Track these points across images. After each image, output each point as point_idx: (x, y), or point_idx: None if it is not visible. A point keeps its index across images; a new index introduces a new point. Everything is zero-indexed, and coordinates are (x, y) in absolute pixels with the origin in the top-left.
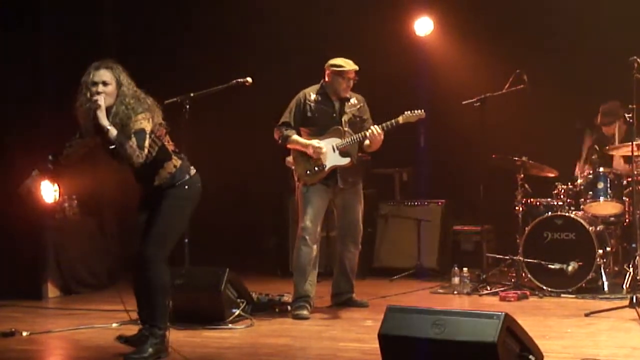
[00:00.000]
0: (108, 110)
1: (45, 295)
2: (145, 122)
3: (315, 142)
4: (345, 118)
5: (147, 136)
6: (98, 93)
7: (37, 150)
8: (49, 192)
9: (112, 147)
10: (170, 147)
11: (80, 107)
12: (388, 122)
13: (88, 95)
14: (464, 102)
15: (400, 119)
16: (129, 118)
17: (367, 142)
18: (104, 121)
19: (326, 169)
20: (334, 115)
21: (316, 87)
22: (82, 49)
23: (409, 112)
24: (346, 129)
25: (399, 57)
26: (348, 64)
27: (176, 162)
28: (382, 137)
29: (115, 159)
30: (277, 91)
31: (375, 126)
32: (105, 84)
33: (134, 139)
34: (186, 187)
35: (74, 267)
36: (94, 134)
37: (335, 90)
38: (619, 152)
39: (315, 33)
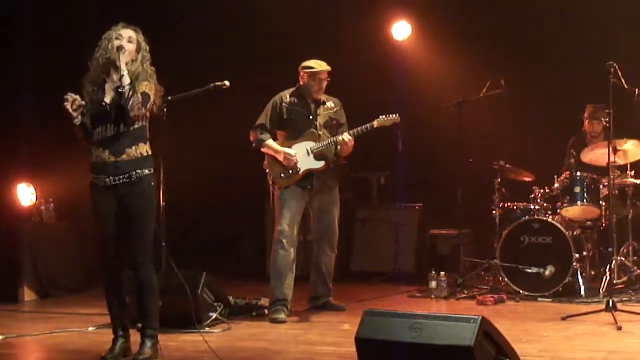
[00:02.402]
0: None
1: (21, 298)
2: (152, 91)
3: (287, 150)
4: (320, 120)
5: (150, 103)
6: (120, 49)
7: (15, 156)
8: (25, 195)
9: (121, 90)
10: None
11: (95, 61)
12: (362, 127)
13: (109, 46)
14: (441, 106)
15: (375, 123)
16: (141, 79)
17: (338, 147)
18: (123, 65)
19: (300, 172)
20: (310, 117)
21: (292, 89)
22: (62, 48)
23: (383, 116)
24: (321, 132)
25: (377, 61)
26: (319, 65)
27: (149, 150)
28: (352, 142)
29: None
30: (255, 94)
31: (346, 133)
32: (130, 40)
33: (139, 95)
34: (152, 183)
35: (50, 271)
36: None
37: (309, 92)
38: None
39: (293, 37)
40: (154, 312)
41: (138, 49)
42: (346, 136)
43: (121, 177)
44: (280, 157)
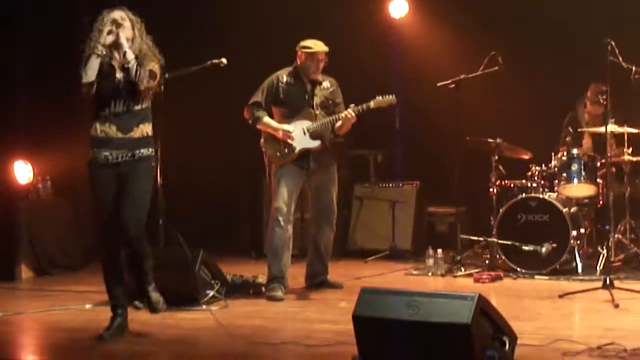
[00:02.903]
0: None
1: (19, 276)
2: (157, 69)
3: (285, 126)
4: (317, 100)
5: (157, 79)
6: (118, 26)
7: (12, 134)
8: (22, 172)
9: (127, 66)
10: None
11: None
12: (360, 106)
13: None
14: (438, 84)
15: (372, 104)
16: (148, 57)
17: (338, 123)
18: (124, 40)
19: (296, 151)
20: (306, 97)
21: (289, 69)
22: (58, 30)
23: (380, 97)
24: (318, 111)
25: (374, 40)
26: (317, 45)
27: (151, 130)
28: (355, 120)
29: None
30: (252, 74)
31: (350, 109)
32: (122, 18)
33: (147, 70)
34: (153, 164)
35: (47, 248)
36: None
37: (306, 72)
38: (592, 131)
39: (290, 16)
40: (150, 269)
41: (133, 26)
42: (350, 112)
43: (125, 155)
44: (279, 135)
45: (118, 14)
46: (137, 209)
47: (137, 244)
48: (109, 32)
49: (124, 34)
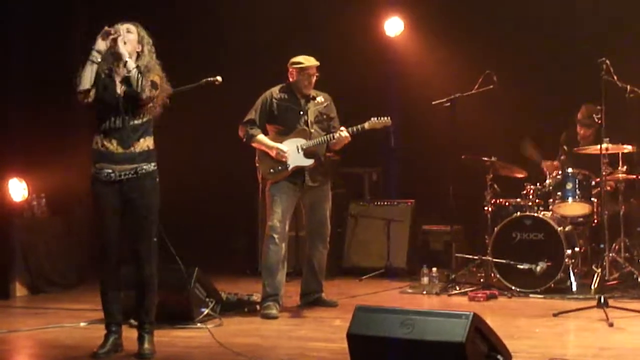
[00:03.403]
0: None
1: (13, 294)
2: (159, 82)
3: (279, 145)
4: (311, 116)
5: (159, 89)
6: (117, 35)
7: (7, 151)
8: (17, 190)
9: (128, 75)
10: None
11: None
12: (354, 127)
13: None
14: (434, 102)
15: (367, 125)
16: (151, 70)
17: (332, 141)
18: (122, 49)
19: (289, 168)
20: (300, 113)
21: (282, 85)
22: (51, 44)
23: (375, 118)
24: (313, 129)
25: (369, 57)
26: (308, 60)
27: (153, 144)
28: (349, 139)
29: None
30: (247, 90)
31: (344, 130)
32: (129, 30)
33: (149, 80)
34: (157, 179)
35: (42, 266)
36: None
37: (298, 88)
38: (588, 151)
39: (285, 33)
40: (153, 308)
41: (140, 40)
42: (345, 133)
43: (128, 171)
44: (273, 153)
45: (126, 25)
46: (146, 229)
47: (148, 267)
48: (103, 38)
49: (126, 44)
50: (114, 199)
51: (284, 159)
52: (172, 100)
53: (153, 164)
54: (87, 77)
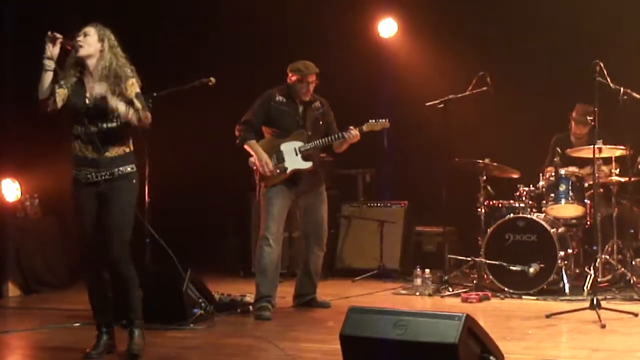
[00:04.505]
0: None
1: (5, 294)
2: (137, 87)
3: (267, 160)
4: (308, 121)
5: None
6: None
7: None
8: (10, 190)
9: (116, 113)
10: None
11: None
12: (356, 128)
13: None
14: (427, 104)
15: (364, 127)
16: (123, 76)
17: (339, 141)
18: (113, 103)
19: (287, 171)
20: (298, 117)
21: (281, 88)
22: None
23: (373, 120)
24: (310, 132)
25: (363, 59)
26: (307, 68)
27: (131, 146)
28: (358, 138)
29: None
30: (241, 91)
31: (354, 129)
32: (85, 34)
33: (137, 102)
34: (134, 180)
35: (35, 267)
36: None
37: (297, 93)
38: (581, 154)
39: (279, 35)
40: (138, 303)
41: (101, 39)
42: (355, 131)
43: (105, 174)
44: (258, 163)
45: (82, 31)
46: (119, 229)
47: (122, 266)
48: (52, 44)
49: (83, 47)
50: (91, 200)
51: (268, 174)
52: (165, 101)
53: (130, 165)
54: (44, 87)
